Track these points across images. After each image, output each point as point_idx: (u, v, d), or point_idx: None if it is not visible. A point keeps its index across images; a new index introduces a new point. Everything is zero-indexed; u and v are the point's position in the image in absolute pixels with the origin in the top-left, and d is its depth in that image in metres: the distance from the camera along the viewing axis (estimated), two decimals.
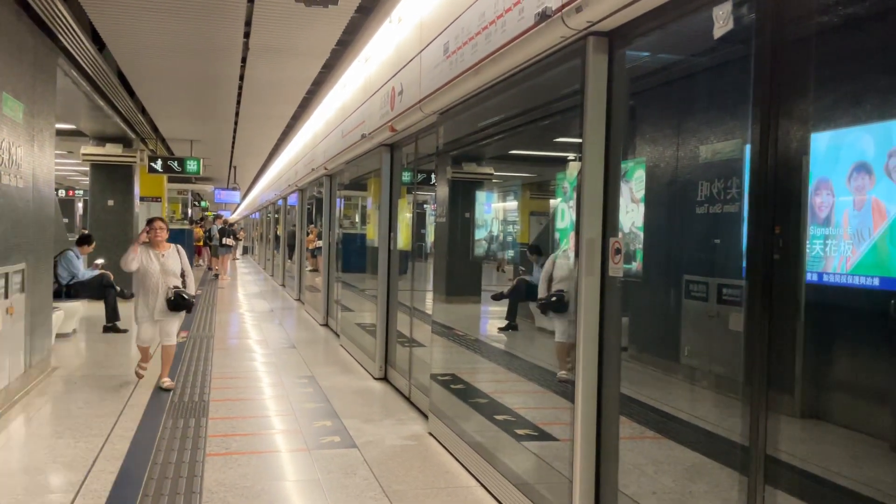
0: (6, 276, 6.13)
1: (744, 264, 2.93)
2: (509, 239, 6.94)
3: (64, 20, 6.53)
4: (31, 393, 6.74)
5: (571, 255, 3.85)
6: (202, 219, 34.03)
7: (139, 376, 7.28)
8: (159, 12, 6.80)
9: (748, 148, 2.85)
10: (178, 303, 6.97)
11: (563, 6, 3.44)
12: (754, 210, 2.81)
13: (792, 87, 2.79)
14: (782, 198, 2.76)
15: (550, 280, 4.75)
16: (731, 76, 3.26)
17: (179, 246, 7.33)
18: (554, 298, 4.63)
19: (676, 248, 3.91)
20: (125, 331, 10.14)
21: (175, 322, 7.19)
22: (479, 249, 6.80)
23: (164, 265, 7.02)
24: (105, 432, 5.57)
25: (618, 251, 3.56)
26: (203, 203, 41.16)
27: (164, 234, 7.12)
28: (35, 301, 7.02)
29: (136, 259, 6.94)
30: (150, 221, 7.20)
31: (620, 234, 3.60)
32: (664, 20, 3.20)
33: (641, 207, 3.65)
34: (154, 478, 4.66)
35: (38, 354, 7.18)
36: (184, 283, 7.11)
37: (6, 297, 6.14)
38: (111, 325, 10.28)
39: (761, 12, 2.81)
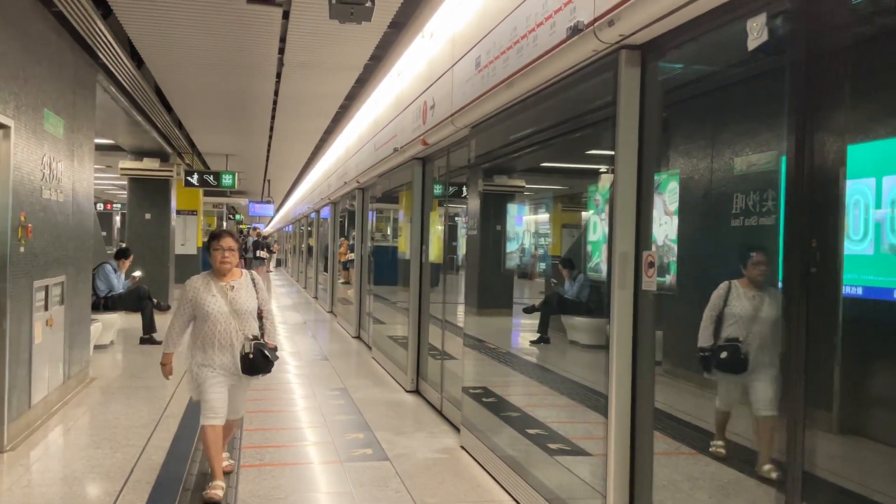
0: (46, 288, 6.25)
1: (780, 278, 2.89)
2: (541, 251, 6.91)
3: (103, 37, 6.67)
4: (70, 403, 6.87)
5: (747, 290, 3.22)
6: (242, 232, 34.42)
7: (214, 499, 4.45)
8: (196, 29, 6.92)
9: (784, 160, 2.82)
10: (257, 365, 4.65)
11: (596, 20, 3.45)
12: (790, 223, 2.77)
13: (828, 97, 2.75)
14: (818, 210, 2.72)
15: (720, 320, 3.28)
16: (766, 87, 3.23)
17: (254, 272, 4.96)
18: (725, 354, 3.24)
19: (712, 261, 3.87)
20: (161, 342, 10.27)
21: (248, 388, 5.00)
22: (511, 262, 6.77)
23: (234, 303, 4.63)
24: (142, 443, 5.65)
25: (651, 265, 3.53)
26: (238, 216, 41.71)
27: (235, 259, 4.72)
28: (74, 313, 7.15)
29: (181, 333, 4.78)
30: (213, 237, 4.78)
31: (654, 247, 3.58)
32: (697, 33, 3.19)
33: (675, 220, 3.62)
34: (189, 489, 4.71)
35: (76, 365, 7.31)
36: (260, 327, 4.80)
37: (46, 308, 6.27)
38: (148, 336, 10.45)
39: (795, 24, 2.78)
